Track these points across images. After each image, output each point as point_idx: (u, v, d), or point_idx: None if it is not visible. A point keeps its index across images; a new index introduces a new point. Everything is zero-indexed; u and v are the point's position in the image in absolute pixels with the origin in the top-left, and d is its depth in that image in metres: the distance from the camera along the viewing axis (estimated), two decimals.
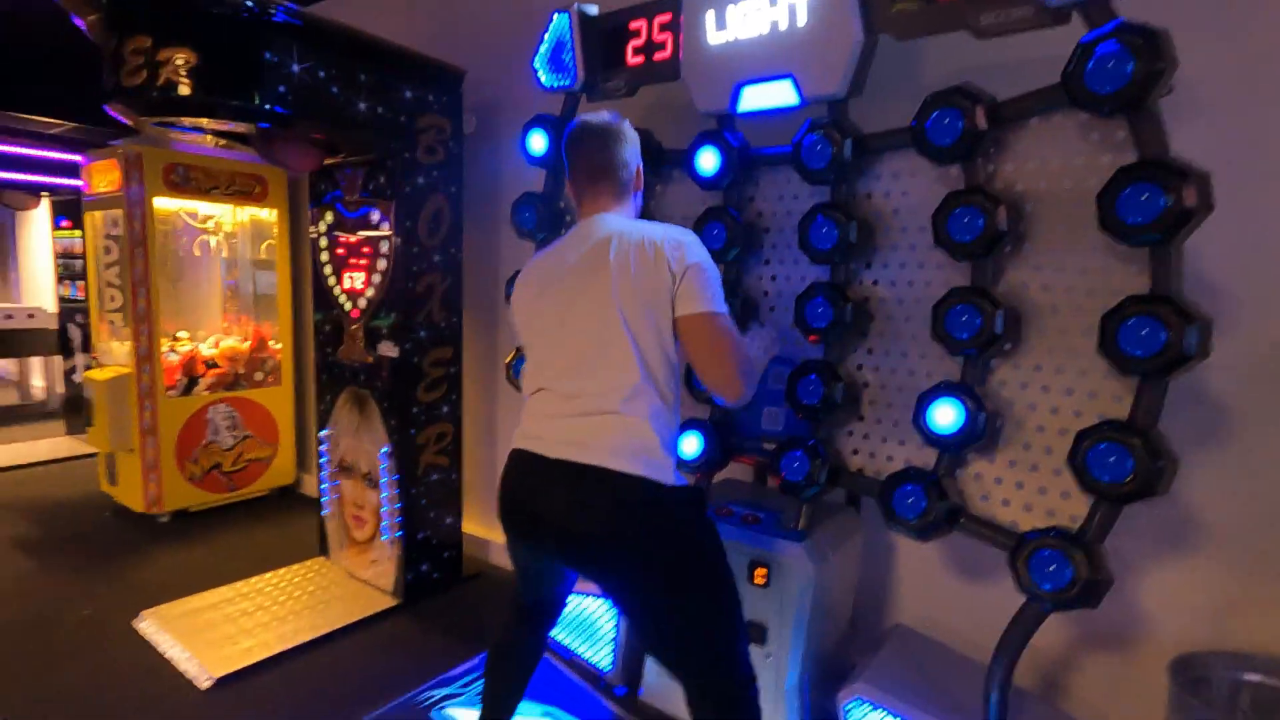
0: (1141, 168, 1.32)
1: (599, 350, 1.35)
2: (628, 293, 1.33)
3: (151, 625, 2.57)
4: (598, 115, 1.54)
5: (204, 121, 2.42)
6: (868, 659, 1.85)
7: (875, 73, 1.76)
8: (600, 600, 2.16)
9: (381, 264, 2.77)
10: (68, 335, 5.60)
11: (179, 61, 2.16)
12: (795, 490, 1.81)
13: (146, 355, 3.48)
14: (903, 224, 1.79)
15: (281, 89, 2.28)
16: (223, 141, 2.81)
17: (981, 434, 1.58)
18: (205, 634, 2.51)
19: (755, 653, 1.79)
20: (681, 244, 1.36)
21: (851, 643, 2.15)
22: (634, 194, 1.56)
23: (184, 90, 2.19)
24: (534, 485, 1.38)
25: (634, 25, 2.04)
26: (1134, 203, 1.31)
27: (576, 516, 1.31)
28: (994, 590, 1.99)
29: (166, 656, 2.39)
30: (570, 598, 1.72)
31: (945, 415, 1.59)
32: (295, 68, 2.30)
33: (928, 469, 1.69)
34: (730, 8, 1.83)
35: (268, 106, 2.28)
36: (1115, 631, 1.87)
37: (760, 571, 1.80)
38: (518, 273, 2.36)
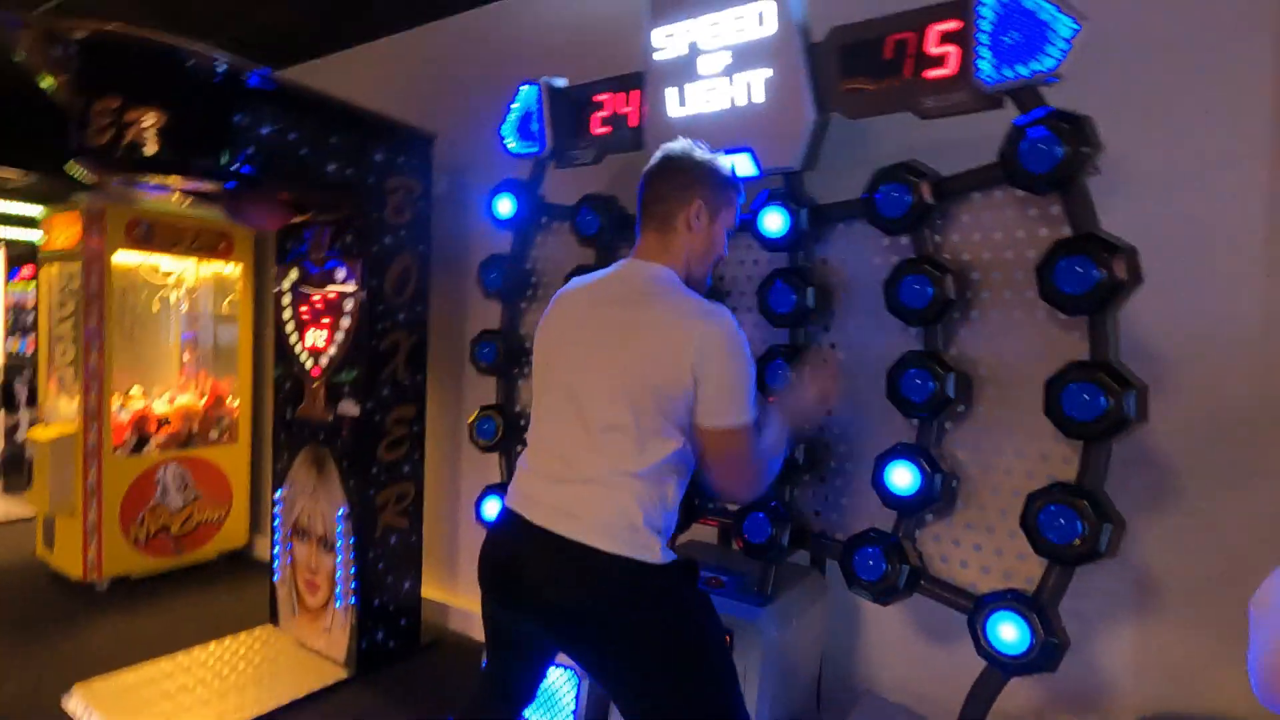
0: (1074, 242, 1.40)
1: (605, 421, 1.25)
2: (645, 373, 1.23)
3: (80, 702, 2.41)
4: (679, 143, 1.38)
5: (170, 180, 2.42)
6: None
7: (829, 147, 1.85)
8: (560, 669, 2.09)
9: (346, 321, 2.76)
10: (13, 390, 5.40)
11: (147, 122, 2.17)
12: (758, 553, 1.81)
13: (95, 412, 3.36)
14: (858, 289, 1.85)
15: (250, 150, 2.30)
16: (189, 200, 2.81)
17: (939, 495, 1.61)
18: (138, 713, 2.36)
19: None
20: (716, 333, 1.22)
21: (818, 707, 2.11)
22: (690, 238, 1.34)
23: (150, 149, 2.19)
24: (515, 549, 1.30)
25: (599, 98, 2.12)
26: (1070, 274, 1.39)
27: (560, 590, 1.24)
28: (961, 653, 1.98)
29: None
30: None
31: (902, 477, 1.62)
32: (265, 130, 2.33)
33: (888, 531, 1.70)
34: (689, 86, 1.92)
35: (235, 167, 2.29)
36: (1081, 693, 1.87)
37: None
38: (487, 331, 2.37)
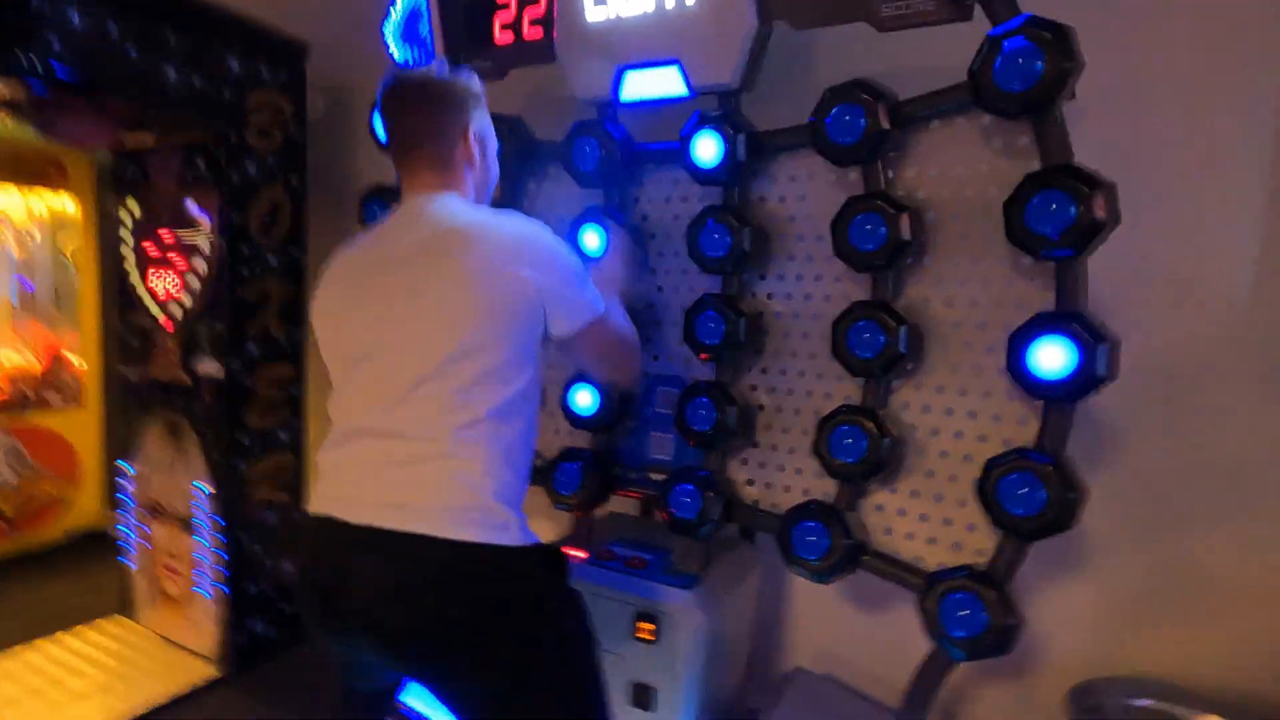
0: (1050, 175, 1.22)
1: (426, 377, 1.04)
2: (467, 303, 1.05)
3: None
4: (417, 68, 1.26)
5: None
6: (770, 711, 1.67)
7: (768, 70, 1.60)
8: None
9: (201, 265, 2.32)
10: None
11: None
12: (686, 529, 1.60)
13: None
14: (799, 231, 1.63)
15: (56, 45, 1.82)
16: (4, 114, 2.26)
17: (886, 462, 1.44)
18: None
19: None
20: (534, 240, 1.12)
21: (747, 685, 1.97)
22: (469, 168, 1.24)
23: None
24: (335, 562, 1.04)
25: None
26: (1043, 213, 1.21)
27: (391, 604, 0.99)
28: (894, 623, 1.87)
29: None
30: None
31: (849, 442, 1.44)
32: (75, 18, 1.84)
33: (828, 500, 1.53)
34: None
35: (39, 66, 1.81)
36: (1012, 658, 1.79)
37: (646, 626, 1.57)
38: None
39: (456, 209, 1.16)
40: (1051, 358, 1.22)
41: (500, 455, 1.06)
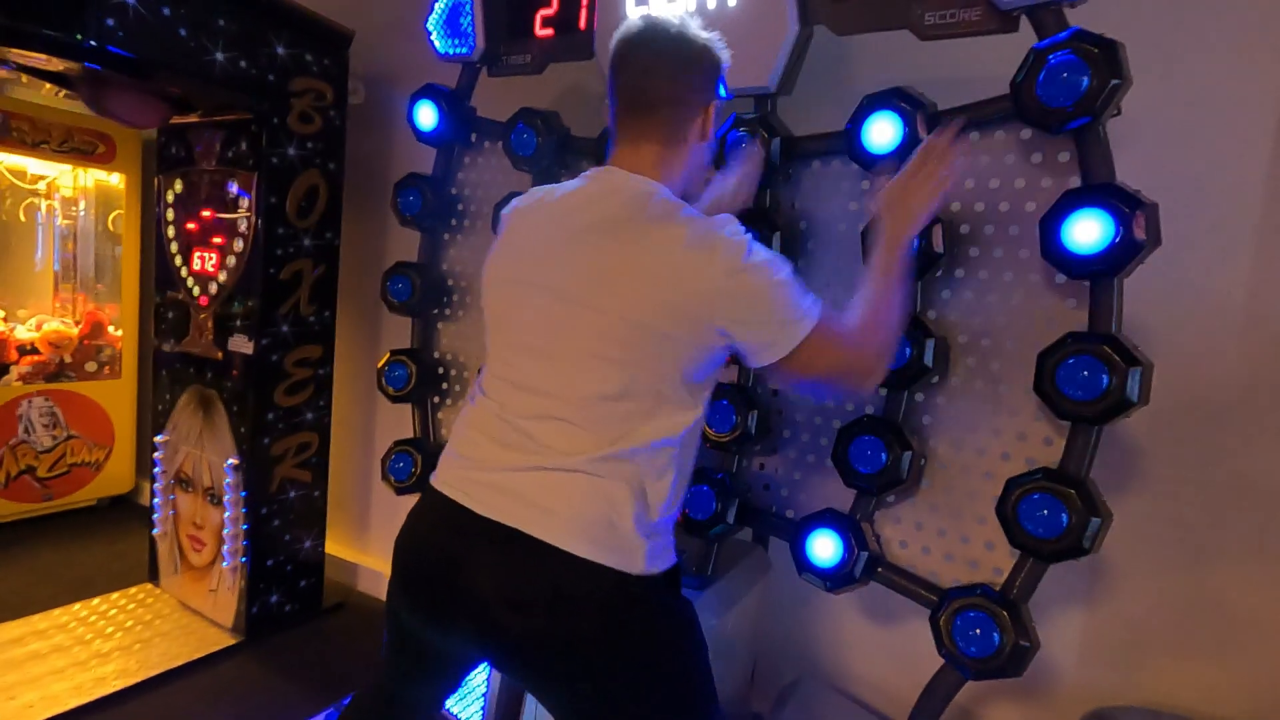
0: (1090, 192, 1.20)
1: (590, 399, 0.97)
2: (649, 322, 0.95)
3: None
4: (660, 18, 1.08)
5: (10, 53, 1.97)
6: (773, 718, 1.67)
7: (805, 74, 1.59)
8: None
9: (239, 244, 2.37)
10: None
11: None
12: (699, 529, 1.60)
13: None
14: (830, 238, 1.62)
15: (110, 22, 1.87)
16: (63, 91, 2.34)
17: (905, 476, 1.43)
18: None
19: None
20: (734, 259, 0.94)
21: (751, 691, 1.97)
22: (690, 148, 1.08)
23: None
24: (454, 550, 0.99)
25: None
26: (1082, 230, 1.19)
27: (505, 605, 0.95)
28: (904, 636, 1.86)
29: None
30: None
31: (868, 453, 1.43)
32: (131, 0, 1.89)
33: (843, 510, 1.52)
34: None
35: (94, 43, 1.86)
36: (1024, 682, 1.77)
37: None
38: (402, 263, 2.05)
39: (656, 210, 1.01)
40: (1081, 378, 1.20)
41: (649, 485, 0.99)
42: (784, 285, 0.97)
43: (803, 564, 1.49)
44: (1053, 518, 1.22)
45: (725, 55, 1.11)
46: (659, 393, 0.98)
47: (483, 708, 1.84)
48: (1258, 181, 1.50)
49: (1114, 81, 1.15)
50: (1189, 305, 1.57)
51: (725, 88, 1.13)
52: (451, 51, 1.91)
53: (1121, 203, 1.16)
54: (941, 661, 1.41)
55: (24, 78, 2.28)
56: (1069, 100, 1.18)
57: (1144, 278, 1.38)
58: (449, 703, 1.92)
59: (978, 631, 1.28)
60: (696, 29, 1.08)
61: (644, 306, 0.95)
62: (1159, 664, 1.65)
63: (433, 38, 1.92)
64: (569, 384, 0.99)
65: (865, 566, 1.45)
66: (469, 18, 1.85)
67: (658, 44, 1.05)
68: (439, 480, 1.07)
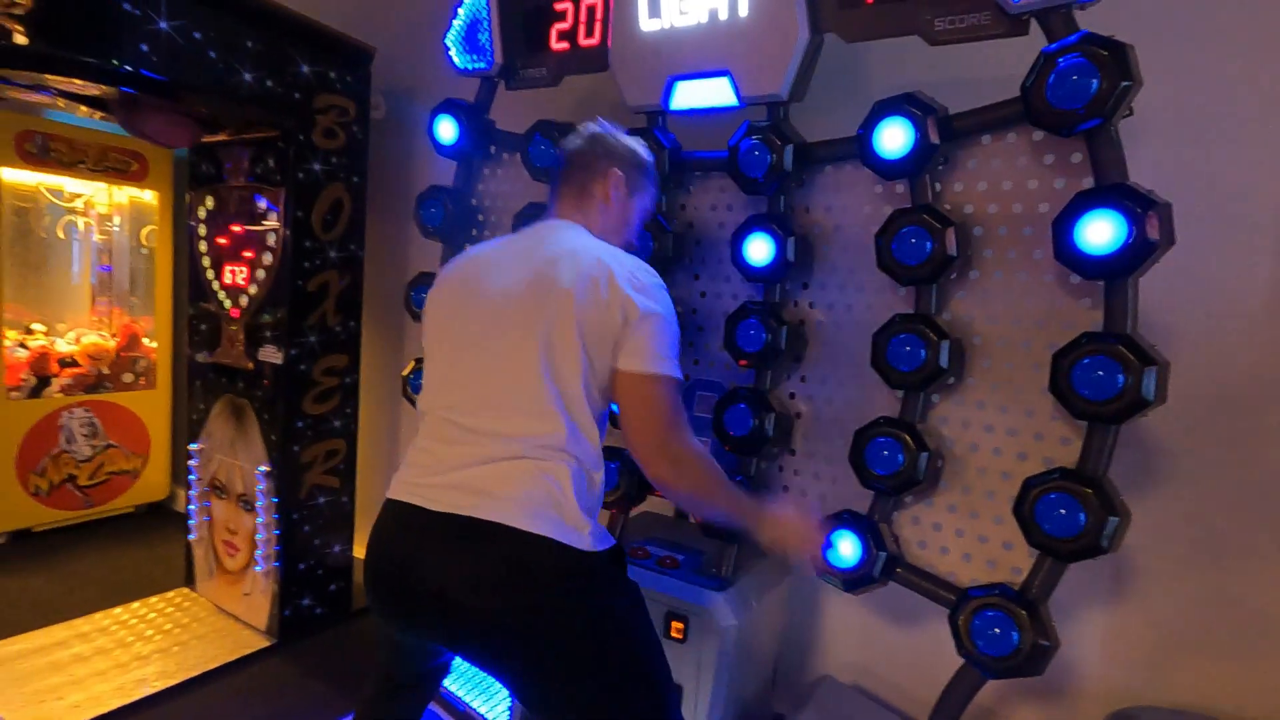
0: (1102, 193, 1.20)
1: (519, 387, 1.10)
2: (567, 329, 1.10)
3: None
4: (602, 125, 1.38)
5: (48, 79, 2.05)
6: (795, 717, 1.68)
7: (816, 81, 1.61)
8: None
9: (267, 257, 2.44)
10: None
11: (12, 1, 1.80)
12: (719, 532, 1.63)
13: None
14: (844, 242, 1.64)
15: (145, 48, 1.95)
16: (99, 114, 2.43)
17: (922, 476, 1.44)
18: (22, 686, 2.11)
19: None
20: (644, 286, 1.15)
21: (772, 691, 1.98)
22: (606, 208, 1.32)
23: (19, 39, 1.83)
24: (411, 547, 1.10)
25: (559, 6, 1.83)
26: (1094, 230, 1.20)
27: (463, 587, 1.04)
28: (924, 637, 1.86)
29: None
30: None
31: (885, 454, 1.44)
32: (163, 24, 1.97)
33: (861, 512, 1.54)
34: None
35: (128, 68, 1.94)
36: (1047, 682, 1.77)
37: (677, 625, 1.60)
38: (424, 274, 2.10)
39: (578, 238, 1.23)
40: (1096, 378, 1.21)
41: (583, 467, 1.11)
42: (670, 325, 1.16)
43: (822, 565, 1.51)
44: (1070, 517, 1.23)
45: (649, 160, 1.40)
46: (585, 391, 1.11)
47: (510, 706, 1.88)
48: (1275, 178, 1.49)
49: (1124, 83, 1.16)
50: (1211, 304, 1.56)
51: (646, 178, 1.40)
52: (470, 67, 1.96)
53: (1134, 203, 1.16)
54: (961, 661, 1.41)
55: (60, 101, 2.36)
56: (1079, 103, 1.19)
57: (1165, 277, 1.39)
58: (475, 702, 1.96)
59: (997, 631, 1.29)
60: (624, 136, 1.39)
61: (568, 310, 1.10)
62: (1183, 664, 1.63)
63: (452, 54, 1.97)
64: (509, 386, 1.11)
65: (884, 567, 1.46)
66: (487, 34, 1.89)
67: (592, 140, 1.35)
68: (393, 491, 1.17)
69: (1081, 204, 1.21)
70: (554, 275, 1.12)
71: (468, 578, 1.04)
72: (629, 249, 1.30)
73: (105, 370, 3.41)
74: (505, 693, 1.90)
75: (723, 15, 1.59)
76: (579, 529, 1.07)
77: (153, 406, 3.55)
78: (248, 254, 2.50)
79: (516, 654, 1.05)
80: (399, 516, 1.14)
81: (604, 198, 1.31)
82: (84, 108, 2.42)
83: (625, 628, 1.12)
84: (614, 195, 1.32)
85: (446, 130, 1.99)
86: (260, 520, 2.46)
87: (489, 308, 1.16)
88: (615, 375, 1.13)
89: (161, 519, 3.60)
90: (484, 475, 1.08)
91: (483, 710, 1.95)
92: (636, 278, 1.15)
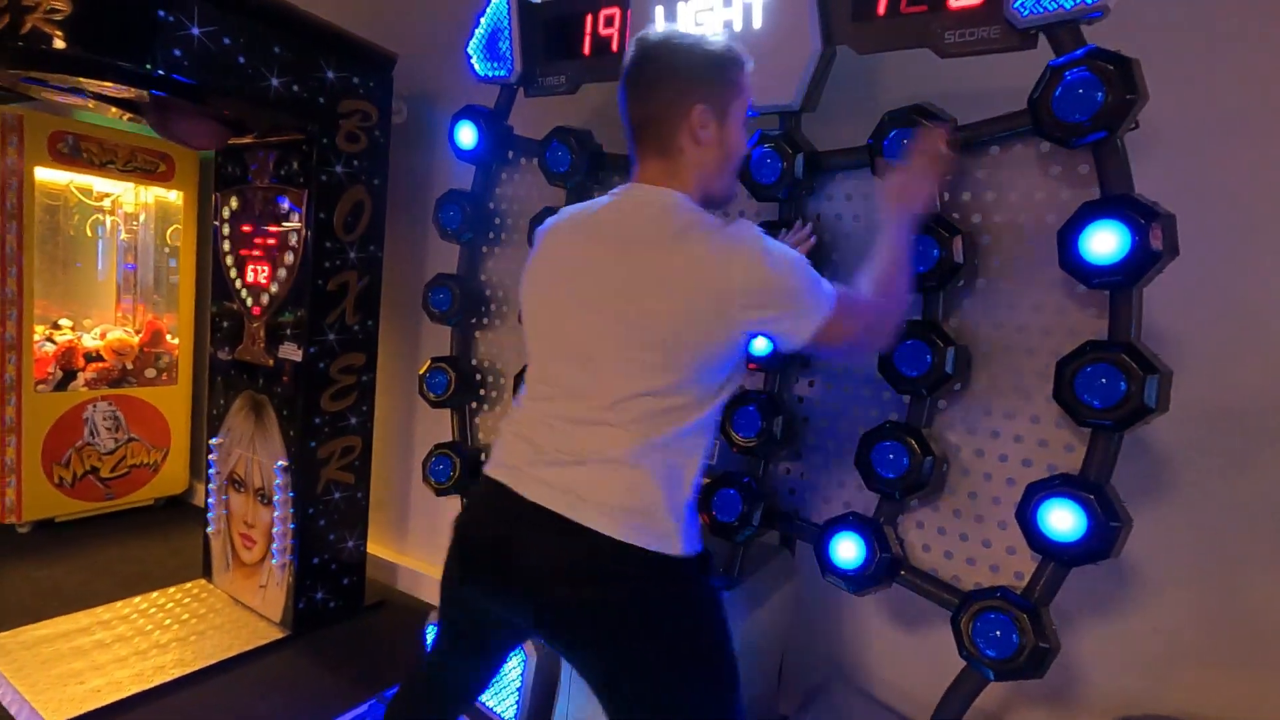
0: (1107, 204, 1.23)
1: (620, 389, 1.05)
2: (672, 329, 1.03)
3: None
4: (654, 33, 1.12)
5: (82, 82, 2.13)
6: (799, 718, 1.70)
7: (828, 94, 1.65)
8: None
9: (289, 257, 2.51)
10: None
11: (51, 7, 1.87)
12: (726, 532, 1.66)
13: (14, 343, 3.08)
14: (853, 249, 1.67)
15: (177, 53, 2.01)
16: (129, 115, 2.51)
17: (927, 480, 1.47)
18: (47, 670, 2.17)
19: None
20: (754, 263, 1.01)
21: (778, 692, 2.00)
22: (698, 151, 1.10)
23: (58, 44, 1.90)
24: (505, 528, 1.10)
25: (578, 17, 1.87)
26: (1099, 240, 1.22)
27: (555, 575, 1.05)
28: (929, 638, 1.88)
29: None
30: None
31: (890, 458, 1.47)
32: (195, 30, 2.04)
33: (867, 514, 1.56)
34: (681, 5, 1.69)
35: (161, 72, 2.01)
36: (1052, 689, 1.78)
37: None
38: (442, 275, 2.15)
39: (678, 221, 1.07)
40: (1100, 385, 1.23)
41: (677, 474, 1.08)
42: (800, 276, 1.05)
43: (826, 566, 1.53)
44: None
45: (726, 55, 1.14)
46: (688, 389, 1.06)
47: (517, 701, 1.91)
48: None
49: (1129, 97, 1.18)
50: (1218, 314, 1.57)
51: (732, 85, 1.14)
52: (491, 74, 2.01)
53: (1138, 214, 1.19)
54: (964, 664, 1.43)
55: (92, 103, 2.44)
56: (1085, 115, 1.22)
57: (1174, 288, 1.41)
58: (484, 696, 1.99)
59: (998, 633, 1.31)
60: (686, 39, 1.11)
61: (674, 314, 1.03)
62: (1189, 673, 1.64)
63: (473, 61, 2.02)
64: (606, 387, 1.06)
65: (888, 569, 1.48)
66: (508, 42, 1.94)
67: (642, 71, 1.12)
68: (491, 469, 1.16)
69: (1086, 214, 1.24)
70: (648, 284, 1.04)
71: (560, 567, 1.05)
72: (735, 179, 1.20)
73: (129, 365, 3.49)
74: (514, 690, 1.93)
75: (737, 27, 1.62)
76: (669, 535, 1.06)
77: (174, 401, 3.63)
78: (270, 253, 2.57)
79: (593, 646, 1.07)
80: (495, 497, 1.13)
81: (693, 142, 1.10)
82: (115, 109, 2.50)
83: (708, 631, 1.10)
84: (703, 135, 1.10)
85: (466, 136, 2.04)
86: (277, 514, 2.51)
87: (583, 290, 1.09)
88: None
89: (180, 512, 3.67)
90: (576, 477, 1.06)
91: (491, 705, 1.98)
92: (748, 271, 1.01)
